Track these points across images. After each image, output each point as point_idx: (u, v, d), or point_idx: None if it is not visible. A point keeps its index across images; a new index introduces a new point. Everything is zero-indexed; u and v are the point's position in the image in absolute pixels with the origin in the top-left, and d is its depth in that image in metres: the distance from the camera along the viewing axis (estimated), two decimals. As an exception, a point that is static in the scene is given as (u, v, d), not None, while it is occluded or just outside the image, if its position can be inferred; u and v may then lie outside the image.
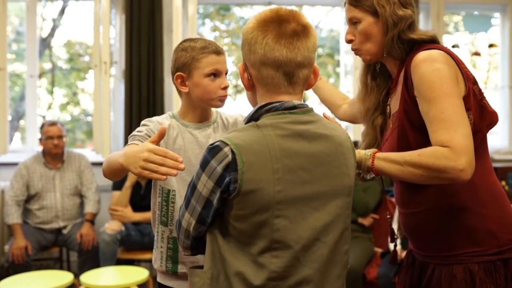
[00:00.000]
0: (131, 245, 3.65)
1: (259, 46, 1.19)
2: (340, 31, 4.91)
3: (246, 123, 1.24)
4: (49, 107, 6.45)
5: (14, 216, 3.57)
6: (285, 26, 1.19)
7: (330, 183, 1.21)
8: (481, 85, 1.49)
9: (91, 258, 3.57)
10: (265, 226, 1.15)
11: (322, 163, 1.20)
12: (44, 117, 6.17)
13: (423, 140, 1.40)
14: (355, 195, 3.34)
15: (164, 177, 1.20)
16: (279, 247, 1.16)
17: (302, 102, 1.23)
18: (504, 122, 4.72)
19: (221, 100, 1.65)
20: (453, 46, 4.55)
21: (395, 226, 3.53)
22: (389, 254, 1.65)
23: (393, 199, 3.75)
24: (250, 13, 5.89)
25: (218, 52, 1.64)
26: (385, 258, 3.40)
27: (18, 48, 5.68)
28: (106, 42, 4.10)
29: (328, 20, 6.12)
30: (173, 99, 4.17)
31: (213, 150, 1.16)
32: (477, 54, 4.47)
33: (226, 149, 1.14)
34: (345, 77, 4.71)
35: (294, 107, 1.20)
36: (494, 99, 4.76)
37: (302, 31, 1.20)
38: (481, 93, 1.46)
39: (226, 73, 1.67)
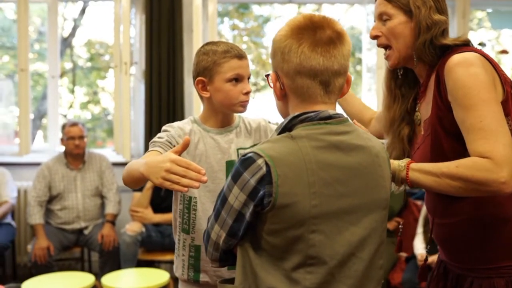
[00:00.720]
0: (151, 246, 3.65)
1: (294, 55, 1.14)
2: (361, 29, 4.83)
3: (279, 133, 1.19)
4: (70, 106, 6.52)
5: (36, 217, 3.60)
6: (321, 33, 1.14)
7: (367, 196, 1.17)
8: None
9: (112, 259, 3.59)
10: (300, 241, 1.11)
11: (358, 175, 1.16)
12: (65, 116, 6.24)
13: (459, 148, 1.34)
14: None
15: (186, 189, 1.17)
16: (314, 263, 1.12)
17: (337, 112, 1.19)
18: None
19: (243, 105, 1.62)
20: (480, 44, 4.44)
21: (420, 230, 3.46)
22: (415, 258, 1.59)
23: (418, 202, 3.71)
24: (270, 11, 5.85)
25: (241, 56, 1.61)
26: (410, 263, 3.34)
27: (40, 48, 5.73)
28: (126, 42, 4.10)
29: (348, 17, 6.05)
30: (193, 100, 4.16)
31: (246, 161, 1.12)
32: (504, 52, 4.35)
33: (260, 161, 1.10)
34: (367, 74, 4.64)
35: (330, 117, 1.16)
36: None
37: (338, 38, 1.16)
38: None
39: (249, 78, 1.64)
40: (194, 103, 4.14)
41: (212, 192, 1.60)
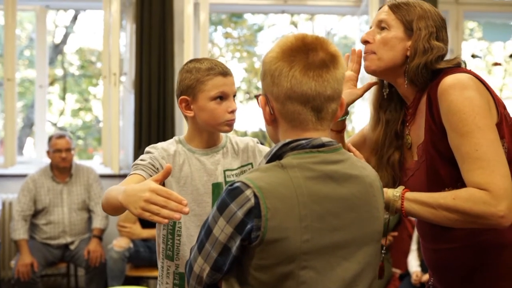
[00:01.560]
0: (139, 262, 3.58)
1: (284, 79, 1.08)
2: (354, 38, 4.79)
3: (268, 161, 1.12)
4: (61, 113, 6.44)
5: (20, 232, 3.50)
6: (313, 56, 1.08)
7: (361, 229, 1.11)
8: (497, 93, 1.39)
9: (99, 275, 3.50)
10: (289, 278, 1.04)
11: (352, 207, 1.10)
12: (56, 124, 6.16)
13: (456, 173, 1.30)
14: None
15: (166, 220, 1.10)
16: None
17: (330, 139, 1.12)
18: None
19: (229, 124, 1.56)
20: (473, 56, 4.40)
21: (414, 247, 3.40)
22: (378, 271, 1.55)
23: (412, 218, 3.65)
24: (263, 20, 5.80)
25: (225, 73, 1.55)
26: (404, 281, 3.28)
27: (31, 55, 5.66)
28: (116, 53, 4.03)
29: (341, 27, 6.02)
30: (184, 111, 4.08)
31: (233, 192, 1.05)
32: (497, 64, 4.33)
33: (248, 192, 1.04)
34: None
35: (323, 145, 1.09)
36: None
37: (331, 61, 1.09)
38: (510, 118, 1.36)
39: (235, 96, 1.58)
40: (185, 115, 4.06)
41: (197, 216, 1.54)
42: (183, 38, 4.09)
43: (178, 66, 4.13)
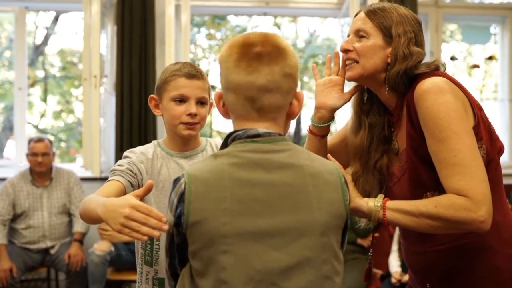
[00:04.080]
0: (121, 265, 3.55)
1: (223, 71, 1.14)
2: (336, 40, 4.81)
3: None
4: (43, 115, 6.36)
5: (-1, 236, 3.46)
6: (250, 49, 1.11)
7: (294, 218, 1.06)
8: (477, 94, 1.40)
9: (79, 279, 3.47)
10: (212, 263, 1.04)
11: (283, 195, 1.06)
12: (37, 126, 6.08)
13: (437, 177, 1.30)
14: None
15: (145, 238, 1.09)
16: None
17: (271, 131, 1.12)
18: (504, 135, 4.62)
19: (188, 128, 1.55)
20: (452, 59, 4.45)
21: (395, 247, 3.43)
22: (364, 273, 1.56)
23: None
24: (246, 22, 5.80)
25: (190, 75, 1.55)
26: (385, 281, 3.30)
27: (11, 56, 5.58)
28: (96, 55, 3.99)
29: (323, 29, 6.04)
30: (165, 113, 4.06)
31: (175, 182, 1.12)
32: (476, 66, 4.39)
33: (182, 180, 1.09)
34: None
35: (258, 135, 1.10)
36: (493, 112, 4.67)
37: (268, 53, 1.10)
38: (487, 119, 1.37)
39: (202, 102, 1.57)
40: (166, 117, 4.04)
41: None
42: (164, 40, 4.06)
43: (159, 68, 4.11)
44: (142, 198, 1.19)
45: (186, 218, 1.05)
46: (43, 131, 6.15)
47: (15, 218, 3.58)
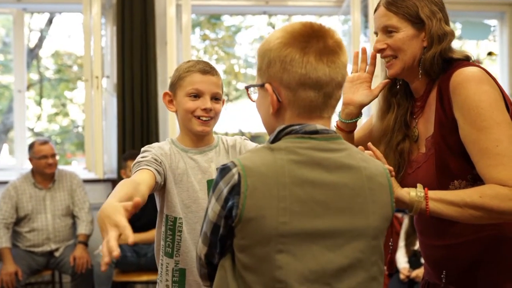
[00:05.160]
0: (127, 267, 3.51)
1: (298, 65, 1.05)
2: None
3: None
4: (38, 119, 6.30)
5: (2, 240, 3.41)
6: (324, 42, 1.07)
7: (350, 220, 1.05)
8: None
9: (85, 282, 3.44)
10: (266, 261, 1.02)
11: (341, 197, 1.05)
12: (33, 129, 6.02)
13: (466, 166, 1.30)
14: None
15: (104, 268, 1.05)
16: None
17: (329, 128, 1.10)
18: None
19: (202, 123, 1.56)
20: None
21: (402, 243, 3.43)
22: (387, 265, 1.54)
23: (398, 215, 3.68)
24: (240, 21, 5.79)
25: (204, 71, 1.57)
26: (394, 278, 3.30)
27: (5, 59, 5.52)
28: (98, 56, 3.96)
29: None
30: (168, 114, 4.04)
31: (223, 171, 1.06)
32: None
33: (234, 170, 1.04)
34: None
35: (316, 131, 1.07)
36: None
37: (339, 47, 1.09)
38: None
39: (216, 98, 1.59)
40: (169, 118, 4.02)
41: (194, 213, 1.56)
42: (165, 40, 4.04)
43: (160, 68, 4.09)
44: (129, 216, 1.10)
45: (240, 213, 1.01)
46: (39, 135, 6.09)
47: (19, 221, 3.54)
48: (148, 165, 1.48)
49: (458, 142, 1.31)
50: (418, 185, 1.33)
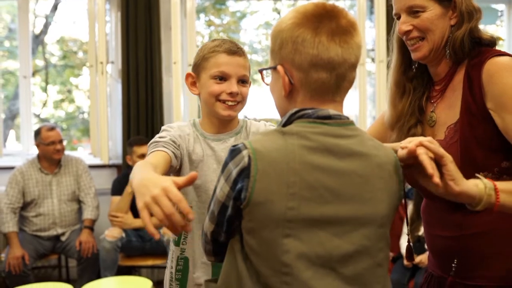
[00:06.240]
0: (132, 252, 3.55)
1: (309, 45, 1.02)
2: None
3: None
4: (44, 105, 6.32)
5: (10, 224, 3.45)
6: (337, 22, 1.04)
7: (359, 208, 1.05)
8: None
9: (91, 266, 3.47)
10: (274, 245, 1.02)
11: (352, 184, 1.04)
12: (39, 115, 6.04)
13: (494, 159, 1.25)
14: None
15: (158, 235, 0.98)
16: (288, 272, 1.01)
17: (341, 113, 1.08)
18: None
19: (228, 107, 1.47)
20: (497, 39, 4.40)
21: (405, 229, 3.43)
22: (405, 253, 1.47)
23: (409, 202, 3.66)
24: (246, 7, 5.75)
25: (231, 52, 1.46)
26: (397, 263, 3.31)
27: (11, 46, 5.53)
28: (102, 42, 3.96)
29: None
30: (173, 99, 4.04)
31: (233, 152, 1.04)
32: (499, 39, 4.36)
33: (245, 152, 1.02)
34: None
35: (329, 117, 1.05)
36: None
37: (353, 27, 1.06)
38: None
39: (243, 80, 1.48)
40: (174, 103, 4.02)
41: (204, 204, 1.49)
42: (169, 25, 4.03)
43: (165, 54, 4.08)
44: (181, 188, 1.02)
45: (249, 196, 1.00)
46: (45, 121, 6.12)
47: (25, 206, 3.57)
48: (166, 147, 1.40)
49: (486, 133, 1.26)
50: (479, 175, 1.18)
